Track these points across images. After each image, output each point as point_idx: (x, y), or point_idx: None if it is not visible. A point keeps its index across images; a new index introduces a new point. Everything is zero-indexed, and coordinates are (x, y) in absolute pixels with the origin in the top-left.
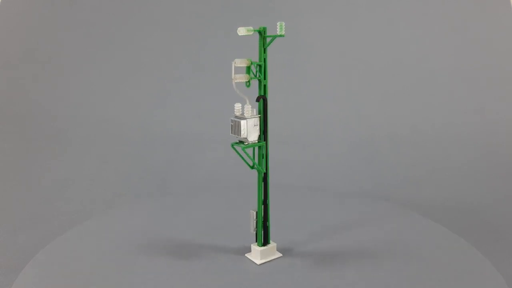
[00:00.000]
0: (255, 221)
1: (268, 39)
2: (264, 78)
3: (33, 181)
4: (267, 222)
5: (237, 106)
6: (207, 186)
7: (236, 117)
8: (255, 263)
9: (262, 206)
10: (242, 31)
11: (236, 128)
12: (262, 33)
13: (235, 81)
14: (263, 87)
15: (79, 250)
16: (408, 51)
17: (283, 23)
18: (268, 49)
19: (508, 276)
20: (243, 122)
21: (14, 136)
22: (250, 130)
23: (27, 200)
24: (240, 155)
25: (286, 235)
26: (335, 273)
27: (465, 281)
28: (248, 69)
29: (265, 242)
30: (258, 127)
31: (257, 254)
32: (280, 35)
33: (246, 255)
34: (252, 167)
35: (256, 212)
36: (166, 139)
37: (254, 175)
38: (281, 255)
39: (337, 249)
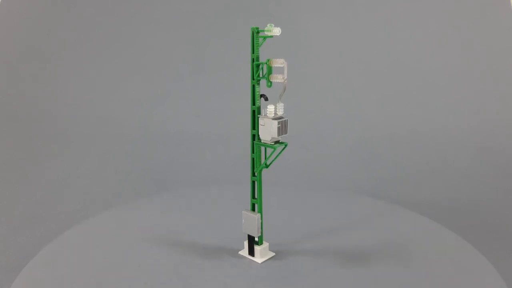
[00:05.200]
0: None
1: (260, 40)
2: (253, 78)
3: (33, 181)
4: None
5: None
6: (207, 185)
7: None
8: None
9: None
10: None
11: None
12: (254, 33)
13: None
14: (252, 87)
15: (79, 250)
16: (408, 51)
17: (273, 25)
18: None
19: (507, 276)
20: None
21: (14, 136)
22: None
23: (27, 200)
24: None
25: (284, 235)
26: (332, 273)
27: (465, 281)
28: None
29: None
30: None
31: (256, 253)
32: (270, 36)
33: (240, 252)
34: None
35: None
36: (166, 138)
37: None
38: (274, 254)
39: (335, 249)
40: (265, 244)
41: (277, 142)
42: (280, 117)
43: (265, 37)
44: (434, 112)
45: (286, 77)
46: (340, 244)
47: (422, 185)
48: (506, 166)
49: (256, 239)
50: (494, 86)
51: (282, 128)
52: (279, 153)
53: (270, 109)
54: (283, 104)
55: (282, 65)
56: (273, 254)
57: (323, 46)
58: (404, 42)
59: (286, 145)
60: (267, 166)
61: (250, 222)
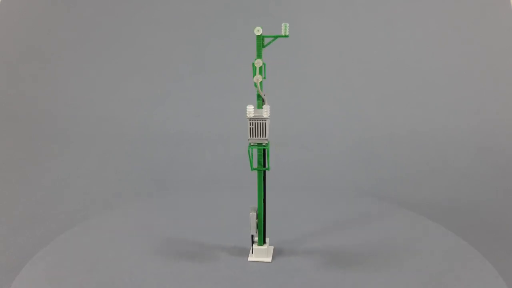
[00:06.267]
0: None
1: (268, 39)
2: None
3: (33, 181)
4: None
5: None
6: (207, 185)
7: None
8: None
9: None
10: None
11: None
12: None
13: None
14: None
15: (79, 250)
16: (408, 51)
17: (288, 24)
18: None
19: (507, 276)
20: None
21: (14, 136)
22: None
23: (27, 200)
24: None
25: (284, 235)
26: (332, 273)
27: (464, 281)
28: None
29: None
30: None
31: (253, 251)
32: (284, 36)
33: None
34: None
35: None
36: (166, 138)
37: (254, 174)
38: (269, 261)
39: (335, 249)
40: (265, 246)
41: (260, 143)
42: (262, 119)
43: (275, 37)
44: (434, 112)
45: (259, 78)
46: (339, 244)
47: (422, 185)
48: (506, 166)
49: (255, 238)
50: (494, 86)
51: (257, 129)
52: (268, 155)
53: (249, 109)
54: (268, 106)
55: (258, 66)
56: (269, 260)
57: (323, 46)
58: (404, 42)
59: (268, 146)
60: (267, 168)
61: (250, 220)
